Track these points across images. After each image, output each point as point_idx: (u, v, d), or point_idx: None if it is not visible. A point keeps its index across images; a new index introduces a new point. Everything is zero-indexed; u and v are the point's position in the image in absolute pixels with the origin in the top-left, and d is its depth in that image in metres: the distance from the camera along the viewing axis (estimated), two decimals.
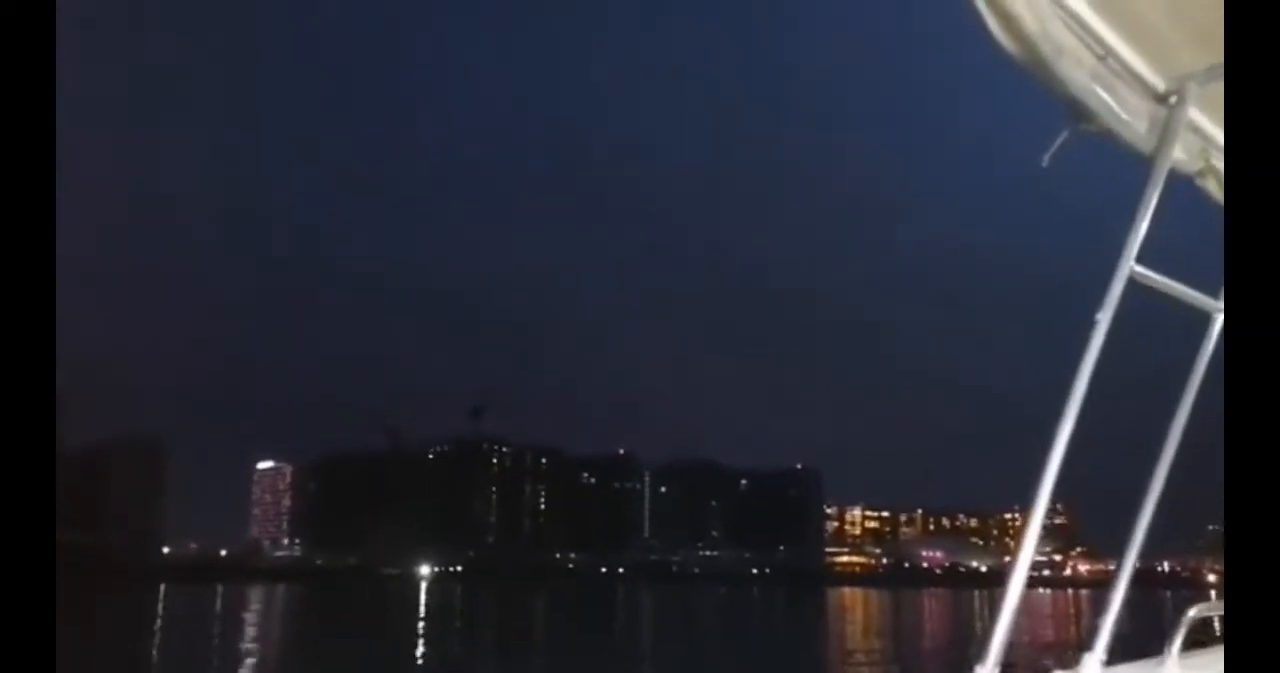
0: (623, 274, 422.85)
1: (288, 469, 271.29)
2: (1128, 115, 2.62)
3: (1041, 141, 2.62)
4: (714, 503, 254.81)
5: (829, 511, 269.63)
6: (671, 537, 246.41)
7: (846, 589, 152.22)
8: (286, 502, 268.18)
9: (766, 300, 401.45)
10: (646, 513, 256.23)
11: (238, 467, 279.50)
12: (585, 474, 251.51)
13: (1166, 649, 2.89)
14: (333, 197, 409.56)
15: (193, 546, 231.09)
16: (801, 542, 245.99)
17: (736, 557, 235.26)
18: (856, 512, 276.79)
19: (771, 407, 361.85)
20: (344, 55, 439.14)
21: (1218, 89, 2.58)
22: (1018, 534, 2.34)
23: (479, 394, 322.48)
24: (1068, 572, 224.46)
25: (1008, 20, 2.29)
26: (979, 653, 2.15)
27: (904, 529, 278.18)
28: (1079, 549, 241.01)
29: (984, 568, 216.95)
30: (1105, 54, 2.58)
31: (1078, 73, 2.47)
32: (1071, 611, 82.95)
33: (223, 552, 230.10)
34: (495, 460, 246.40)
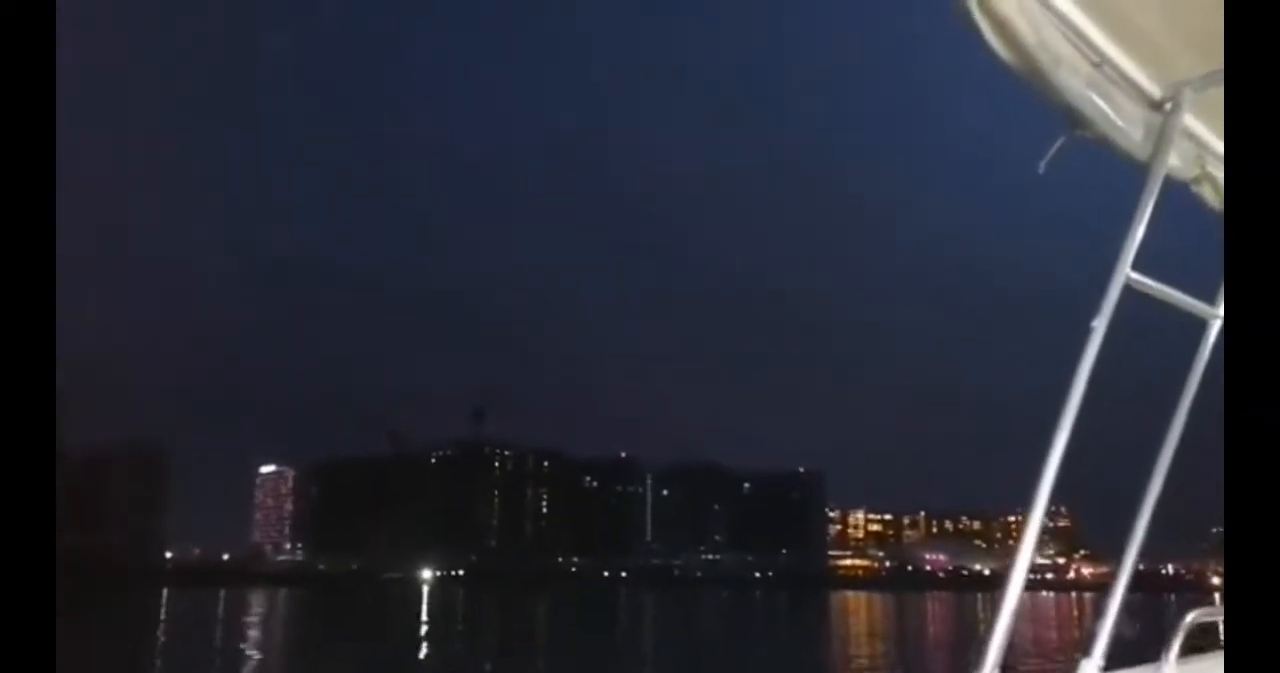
0: (623, 274, 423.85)
1: (289, 474, 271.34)
2: (1123, 122, 2.63)
3: (1040, 144, 2.64)
4: (716, 507, 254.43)
5: (832, 514, 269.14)
6: (674, 540, 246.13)
7: (849, 593, 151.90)
8: (288, 506, 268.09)
9: (767, 302, 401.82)
10: (649, 517, 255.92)
11: (239, 470, 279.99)
12: (587, 478, 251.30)
13: (1164, 655, 2.88)
14: (333, 197, 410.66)
15: (195, 550, 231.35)
16: (804, 545, 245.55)
17: (739, 560, 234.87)
18: (859, 515, 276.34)
19: (774, 409, 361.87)
20: (344, 55, 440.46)
21: (1213, 96, 2.59)
22: (1021, 537, 2.34)
23: (479, 396, 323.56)
24: (1071, 575, 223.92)
25: (1002, 28, 2.29)
26: (977, 657, 2.16)
27: (907, 532, 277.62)
28: (1082, 552, 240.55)
29: (987, 571, 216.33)
30: (1100, 61, 2.59)
31: (1073, 80, 2.48)
32: (1075, 614, 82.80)
33: (225, 556, 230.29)
34: (497, 464, 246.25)
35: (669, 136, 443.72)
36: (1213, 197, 3.00)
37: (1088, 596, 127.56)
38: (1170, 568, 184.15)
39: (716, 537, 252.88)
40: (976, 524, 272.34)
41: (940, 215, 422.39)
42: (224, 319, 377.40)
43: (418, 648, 45.34)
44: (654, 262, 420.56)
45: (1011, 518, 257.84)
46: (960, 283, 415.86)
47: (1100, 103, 2.56)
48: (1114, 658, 2.64)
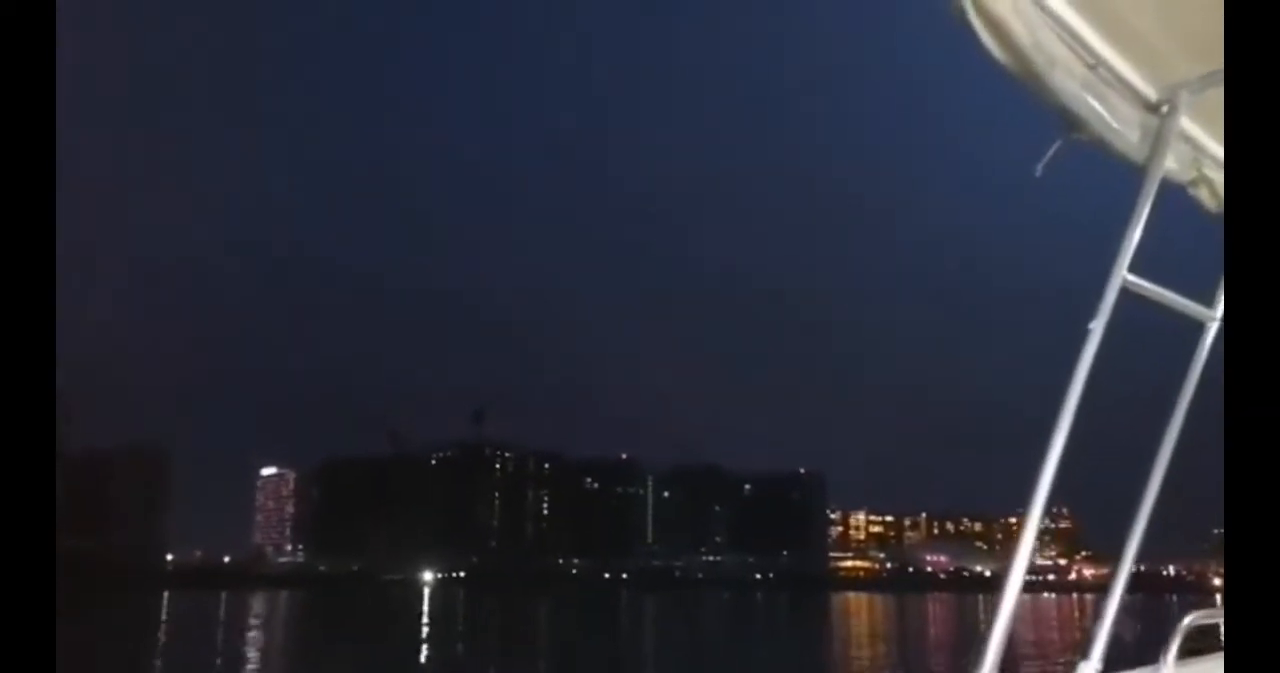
0: (623, 274, 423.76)
1: (290, 476, 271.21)
2: (1120, 124, 2.63)
3: (1038, 145, 2.64)
4: (717, 508, 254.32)
5: (832, 515, 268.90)
6: (674, 542, 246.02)
7: (850, 594, 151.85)
8: (289, 508, 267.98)
9: (767, 302, 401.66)
10: (649, 518, 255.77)
11: (240, 472, 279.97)
12: (588, 479, 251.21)
13: (1162, 658, 2.88)
14: (333, 197, 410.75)
15: (196, 552, 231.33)
16: (805, 547, 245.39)
17: (740, 562, 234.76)
18: (860, 516, 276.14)
19: (774, 410, 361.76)
20: (344, 55, 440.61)
21: (1210, 98, 2.59)
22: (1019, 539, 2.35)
23: (480, 396, 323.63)
24: (1072, 576, 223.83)
25: (997, 29, 2.29)
26: (975, 659, 2.16)
27: (908, 534, 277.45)
28: (1083, 554, 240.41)
29: (988, 572, 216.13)
30: (1096, 63, 2.59)
31: (1069, 82, 2.48)
32: (1076, 615, 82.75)
33: (226, 559, 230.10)
34: (498, 466, 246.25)
35: (669, 137, 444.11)
36: (1209, 199, 3.00)
37: (1089, 597, 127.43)
38: (1171, 569, 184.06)
39: (717, 538, 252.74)
40: (977, 526, 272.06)
41: (940, 215, 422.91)
42: (224, 319, 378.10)
43: (419, 650, 45.36)
44: (654, 262, 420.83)
45: (1012, 519, 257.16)
46: (960, 283, 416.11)
47: (1096, 105, 2.56)
48: (1112, 660, 2.63)
